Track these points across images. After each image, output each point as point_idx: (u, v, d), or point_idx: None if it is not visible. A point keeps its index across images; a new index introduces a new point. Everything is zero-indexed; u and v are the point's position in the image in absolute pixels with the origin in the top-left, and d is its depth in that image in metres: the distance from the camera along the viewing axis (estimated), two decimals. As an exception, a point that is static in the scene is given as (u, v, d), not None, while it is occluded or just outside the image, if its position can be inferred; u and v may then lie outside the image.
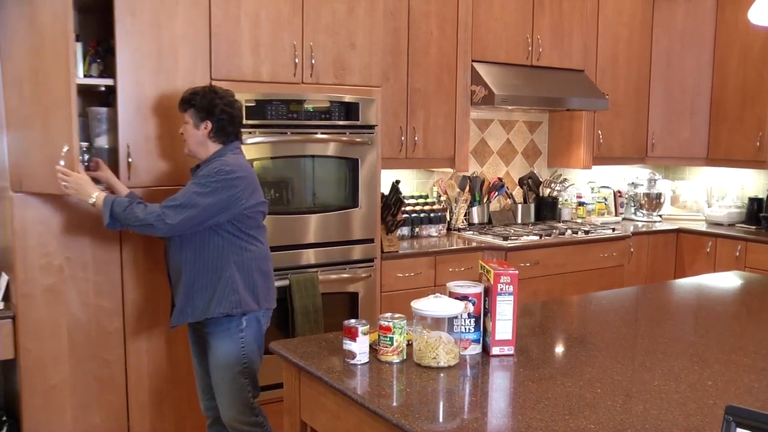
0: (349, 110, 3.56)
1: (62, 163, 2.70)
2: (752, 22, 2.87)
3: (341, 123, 3.54)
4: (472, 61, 4.39)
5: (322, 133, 3.48)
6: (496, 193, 4.88)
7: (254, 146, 3.28)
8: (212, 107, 2.71)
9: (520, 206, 5.03)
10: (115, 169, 2.98)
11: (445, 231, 4.53)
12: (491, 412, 1.74)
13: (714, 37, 5.20)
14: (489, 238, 4.34)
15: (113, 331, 3.08)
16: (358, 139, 3.59)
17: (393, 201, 3.95)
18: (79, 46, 2.94)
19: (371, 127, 3.63)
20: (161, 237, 2.73)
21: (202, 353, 2.85)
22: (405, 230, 4.36)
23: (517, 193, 5.14)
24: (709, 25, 5.21)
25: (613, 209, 5.51)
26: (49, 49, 2.74)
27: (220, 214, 2.62)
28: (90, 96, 3.16)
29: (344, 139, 3.55)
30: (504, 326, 2.07)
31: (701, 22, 5.22)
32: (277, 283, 2.93)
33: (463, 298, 2.07)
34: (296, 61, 3.39)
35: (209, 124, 2.72)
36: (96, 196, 2.66)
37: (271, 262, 2.84)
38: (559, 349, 2.26)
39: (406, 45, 4.12)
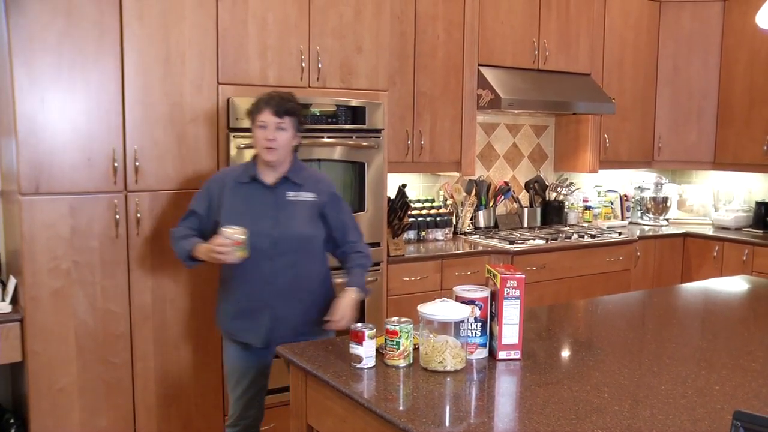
0: (356, 114, 3.56)
1: (116, 164, 2.97)
2: (760, 26, 2.87)
3: (348, 127, 3.54)
4: (479, 64, 4.39)
5: (328, 137, 3.48)
6: (503, 197, 4.88)
7: (261, 150, 3.29)
8: (303, 122, 2.67)
9: (526, 210, 5.02)
10: (122, 173, 3.00)
11: (451, 235, 4.53)
12: (498, 417, 1.74)
13: (721, 41, 5.19)
14: (495, 242, 4.34)
15: (120, 335, 3.09)
16: (364, 143, 3.59)
17: (399, 205, 3.96)
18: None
19: (378, 131, 3.64)
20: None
21: None
22: (411, 234, 4.36)
23: (524, 197, 5.14)
24: (716, 29, 5.20)
25: (619, 213, 5.50)
26: (92, 59, 2.93)
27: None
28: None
29: (351, 143, 3.55)
30: (510, 330, 2.07)
31: (708, 25, 5.21)
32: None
33: (470, 302, 2.07)
34: (303, 64, 3.40)
35: (299, 138, 2.66)
36: None
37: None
38: (566, 353, 2.26)
39: (412, 48, 4.12)
